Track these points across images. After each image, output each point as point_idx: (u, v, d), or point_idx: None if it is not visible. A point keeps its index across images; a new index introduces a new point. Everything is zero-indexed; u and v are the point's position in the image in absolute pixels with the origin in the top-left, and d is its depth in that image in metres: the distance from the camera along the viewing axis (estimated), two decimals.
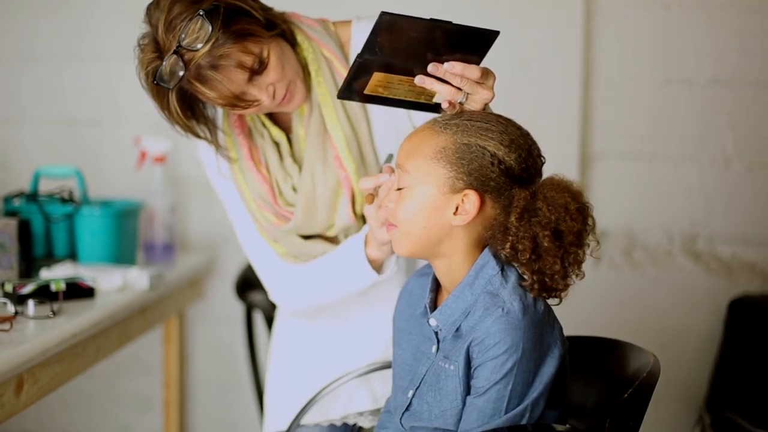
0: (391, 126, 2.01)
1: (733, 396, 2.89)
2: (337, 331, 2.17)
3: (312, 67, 1.97)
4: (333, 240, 2.06)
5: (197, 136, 1.96)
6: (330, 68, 1.98)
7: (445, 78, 1.67)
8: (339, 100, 1.94)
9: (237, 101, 1.83)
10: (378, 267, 1.94)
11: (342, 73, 1.97)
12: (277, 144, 2.04)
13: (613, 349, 1.89)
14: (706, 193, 3.12)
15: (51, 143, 3.48)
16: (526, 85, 3.11)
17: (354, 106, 1.98)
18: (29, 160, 3.39)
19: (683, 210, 3.15)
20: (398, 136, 1.94)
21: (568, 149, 3.12)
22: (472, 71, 1.67)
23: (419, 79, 1.67)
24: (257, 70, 1.82)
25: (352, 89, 1.72)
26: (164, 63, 1.77)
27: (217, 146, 1.99)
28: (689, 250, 3.15)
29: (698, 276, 3.15)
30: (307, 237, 2.05)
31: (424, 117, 1.81)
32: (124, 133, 3.19)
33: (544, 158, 1.71)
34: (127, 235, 2.90)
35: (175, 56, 1.76)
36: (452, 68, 1.65)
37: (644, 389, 1.67)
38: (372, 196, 1.83)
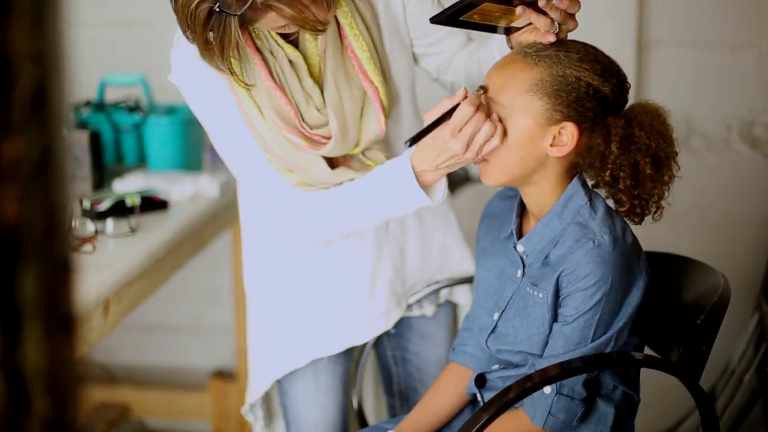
0: (394, 31, 1.94)
1: None
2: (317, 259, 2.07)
3: None
4: (352, 167, 1.91)
5: (228, 67, 1.78)
6: None
7: (548, 10, 1.67)
8: (352, 11, 1.86)
9: (315, 22, 1.69)
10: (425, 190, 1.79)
11: None
12: (291, 64, 1.87)
13: (683, 267, 1.92)
14: (763, 80, 3.11)
15: (110, 47, 3.46)
16: None
17: (367, 15, 1.89)
18: (89, 66, 3.39)
19: (740, 97, 3.14)
20: (401, 41, 1.94)
21: (624, 37, 3.09)
22: (574, 5, 1.68)
23: (520, 10, 1.67)
24: None
25: (452, 16, 1.70)
26: None
27: (233, 73, 1.80)
28: (746, 137, 3.16)
29: (756, 162, 3.17)
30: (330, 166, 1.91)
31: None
32: None
33: (629, 84, 1.72)
34: (194, 140, 2.93)
35: None
36: (560, 3, 1.66)
37: (716, 314, 1.72)
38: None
